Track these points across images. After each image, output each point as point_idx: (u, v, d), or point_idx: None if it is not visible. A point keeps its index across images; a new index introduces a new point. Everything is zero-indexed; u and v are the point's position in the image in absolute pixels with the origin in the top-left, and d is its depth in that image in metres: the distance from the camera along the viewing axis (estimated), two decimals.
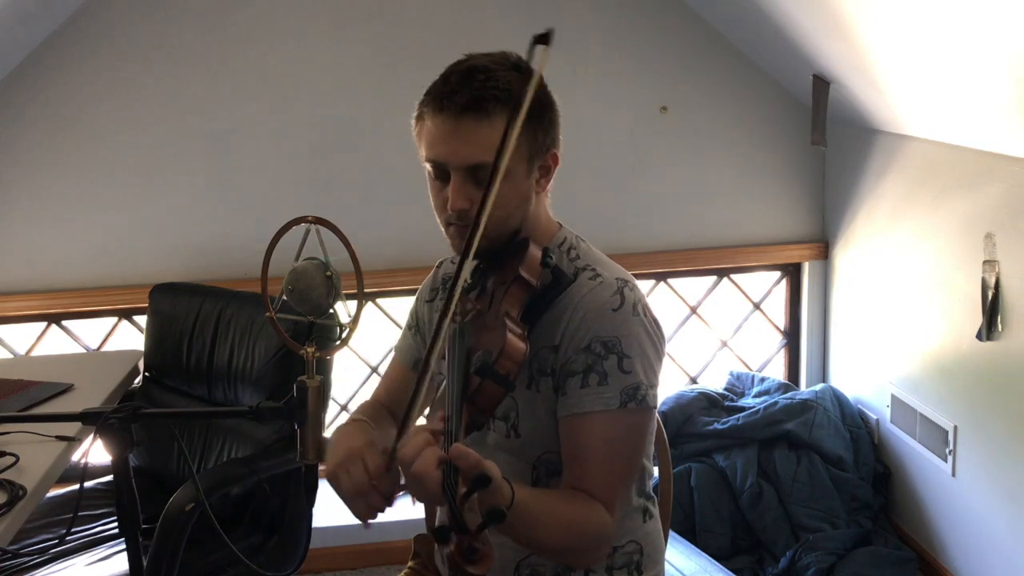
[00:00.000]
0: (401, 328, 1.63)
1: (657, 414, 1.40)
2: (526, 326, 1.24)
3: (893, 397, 2.76)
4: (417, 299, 1.58)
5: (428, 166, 1.31)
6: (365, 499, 1.21)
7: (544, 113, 1.30)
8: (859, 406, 2.97)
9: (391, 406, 1.54)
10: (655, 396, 1.31)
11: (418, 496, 1.09)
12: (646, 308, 1.32)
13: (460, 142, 1.25)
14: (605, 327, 1.27)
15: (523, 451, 1.35)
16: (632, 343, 1.28)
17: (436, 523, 1.00)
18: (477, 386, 1.15)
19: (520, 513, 1.13)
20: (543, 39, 1.15)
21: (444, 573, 1.48)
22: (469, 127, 1.24)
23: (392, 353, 1.63)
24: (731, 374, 3.20)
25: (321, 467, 1.37)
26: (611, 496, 1.27)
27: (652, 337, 1.31)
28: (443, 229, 1.34)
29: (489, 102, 1.24)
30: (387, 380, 1.60)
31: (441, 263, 1.58)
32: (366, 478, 1.21)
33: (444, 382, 1.24)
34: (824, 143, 2.78)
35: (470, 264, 1.23)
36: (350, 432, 1.34)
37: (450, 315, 1.21)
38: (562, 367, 1.29)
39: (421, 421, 1.24)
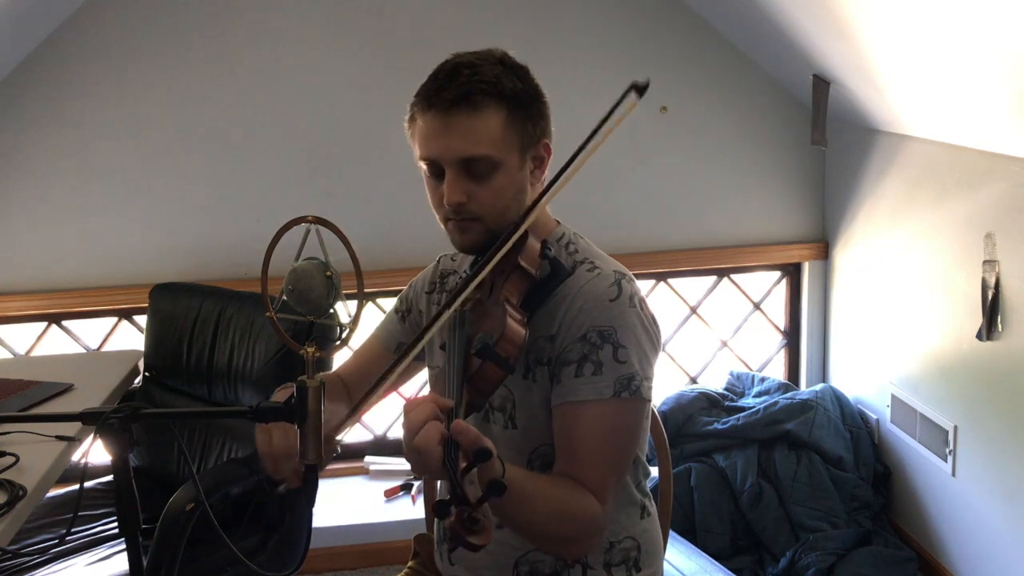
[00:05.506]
0: None
1: (657, 414, 1.40)
2: (526, 313, 1.25)
3: (893, 397, 2.76)
4: (411, 286, 1.59)
5: (423, 165, 1.32)
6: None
7: (532, 104, 1.32)
8: (859, 406, 2.96)
9: (353, 383, 1.53)
10: (649, 388, 1.32)
11: (418, 470, 1.08)
12: (642, 301, 1.33)
13: (451, 137, 1.27)
14: (601, 317, 1.28)
15: (520, 443, 1.36)
16: (628, 333, 1.28)
17: (436, 498, 1.00)
18: (477, 368, 1.15)
19: (511, 490, 1.12)
20: (640, 90, 1.16)
21: (443, 551, 1.48)
22: (459, 121, 1.26)
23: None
24: (731, 374, 3.19)
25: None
26: (602, 485, 1.27)
27: (648, 329, 1.32)
28: (442, 225, 1.35)
29: (476, 95, 1.26)
30: (358, 357, 1.59)
31: (441, 258, 1.59)
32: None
33: (444, 370, 1.24)
34: (824, 143, 2.78)
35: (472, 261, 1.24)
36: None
37: (452, 308, 1.22)
38: (558, 356, 1.30)
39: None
